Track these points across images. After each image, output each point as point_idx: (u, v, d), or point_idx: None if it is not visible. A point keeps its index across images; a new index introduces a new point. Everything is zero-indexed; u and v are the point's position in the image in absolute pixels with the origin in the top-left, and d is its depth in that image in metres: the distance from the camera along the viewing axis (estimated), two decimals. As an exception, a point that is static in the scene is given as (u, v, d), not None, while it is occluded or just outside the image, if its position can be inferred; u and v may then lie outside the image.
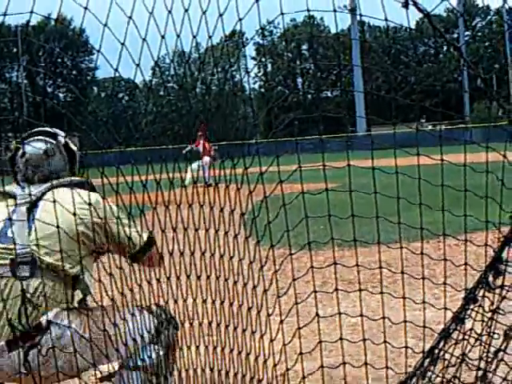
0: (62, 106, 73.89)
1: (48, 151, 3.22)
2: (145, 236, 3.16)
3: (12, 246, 2.80)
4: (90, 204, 2.94)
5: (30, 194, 3.00)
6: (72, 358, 2.80)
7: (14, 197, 3.06)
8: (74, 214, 2.87)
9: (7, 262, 2.85)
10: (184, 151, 18.72)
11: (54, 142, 3.26)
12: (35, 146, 3.21)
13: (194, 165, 20.96)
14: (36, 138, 3.26)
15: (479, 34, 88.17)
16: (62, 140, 3.30)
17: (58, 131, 3.34)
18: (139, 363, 2.99)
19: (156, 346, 3.07)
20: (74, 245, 2.91)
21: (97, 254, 3.17)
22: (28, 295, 2.80)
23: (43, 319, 2.82)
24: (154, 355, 3.04)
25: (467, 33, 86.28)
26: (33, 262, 2.86)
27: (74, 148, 3.37)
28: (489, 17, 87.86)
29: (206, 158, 23.10)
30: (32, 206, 3.01)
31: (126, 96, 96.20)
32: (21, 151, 3.23)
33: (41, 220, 2.92)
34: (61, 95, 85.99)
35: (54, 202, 2.79)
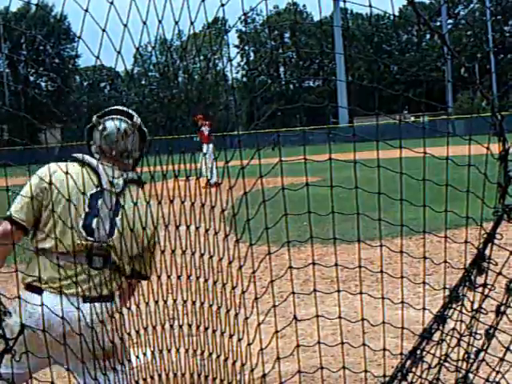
0: (45, 96, 73.29)
1: (127, 131, 3.43)
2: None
3: (91, 238, 3.15)
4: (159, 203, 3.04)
5: (111, 183, 3.24)
6: None
7: (95, 172, 3.27)
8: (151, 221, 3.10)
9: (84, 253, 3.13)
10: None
11: (130, 122, 3.46)
12: (116, 124, 3.41)
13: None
14: (116, 116, 3.45)
15: (462, 21, 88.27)
16: (138, 121, 3.50)
17: (133, 112, 3.53)
18: None
19: None
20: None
21: None
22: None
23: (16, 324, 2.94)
24: None
25: (450, 21, 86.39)
26: (107, 257, 3.17)
27: (145, 129, 3.58)
28: (471, 5, 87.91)
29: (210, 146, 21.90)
30: (116, 199, 3.23)
31: (108, 86, 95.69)
32: (101, 126, 3.41)
33: (123, 223, 3.15)
34: (43, 84, 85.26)
35: (135, 204, 3.02)
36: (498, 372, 2.85)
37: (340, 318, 2.98)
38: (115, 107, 3.50)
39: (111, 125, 3.39)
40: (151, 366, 3.14)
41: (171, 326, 3.06)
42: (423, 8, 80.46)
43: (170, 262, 2.88)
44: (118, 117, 3.43)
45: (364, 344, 2.98)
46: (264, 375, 2.94)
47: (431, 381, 2.86)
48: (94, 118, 3.44)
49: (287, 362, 3.45)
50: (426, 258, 2.95)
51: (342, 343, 3.02)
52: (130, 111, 3.51)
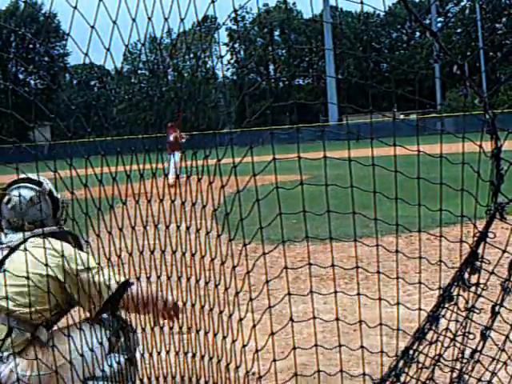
0: (35, 94, 72.98)
1: (33, 198, 3.24)
2: (113, 285, 3.09)
3: None
4: (62, 255, 2.94)
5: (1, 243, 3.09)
6: None
7: None
8: (46, 265, 2.83)
9: None
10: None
11: (38, 189, 3.28)
12: (21, 193, 3.22)
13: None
14: (21, 184, 3.27)
15: (452, 19, 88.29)
16: (47, 187, 3.32)
17: (42, 179, 3.33)
18: (100, 374, 3.02)
19: (116, 354, 3.13)
20: (44, 295, 2.90)
21: (66, 307, 3.16)
22: None
23: None
24: (114, 364, 3.09)
25: (439, 19, 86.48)
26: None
27: (58, 195, 3.39)
28: (462, 3, 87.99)
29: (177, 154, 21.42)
30: (8, 254, 3.04)
31: (99, 84, 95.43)
32: (6, 198, 3.24)
33: (9, 271, 2.94)
34: (32, 82, 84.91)
35: (25, 250, 2.81)
36: (492, 373, 2.84)
37: (337, 319, 2.96)
38: (22, 176, 3.24)
39: (15, 195, 3.22)
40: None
41: (161, 328, 3.04)
42: (412, 6, 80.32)
43: (160, 263, 2.85)
44: (23, 185, 3.26)
45: (362, 346, 2.97)
46: (260, 377, 2.92)
47: (424, 381, 2.84)
48: None
49: (278, 360, 3.43)
50: (420, 258, 2.93)
51: (340, 345, 3.01)
52: (39, 177, 3.31)
